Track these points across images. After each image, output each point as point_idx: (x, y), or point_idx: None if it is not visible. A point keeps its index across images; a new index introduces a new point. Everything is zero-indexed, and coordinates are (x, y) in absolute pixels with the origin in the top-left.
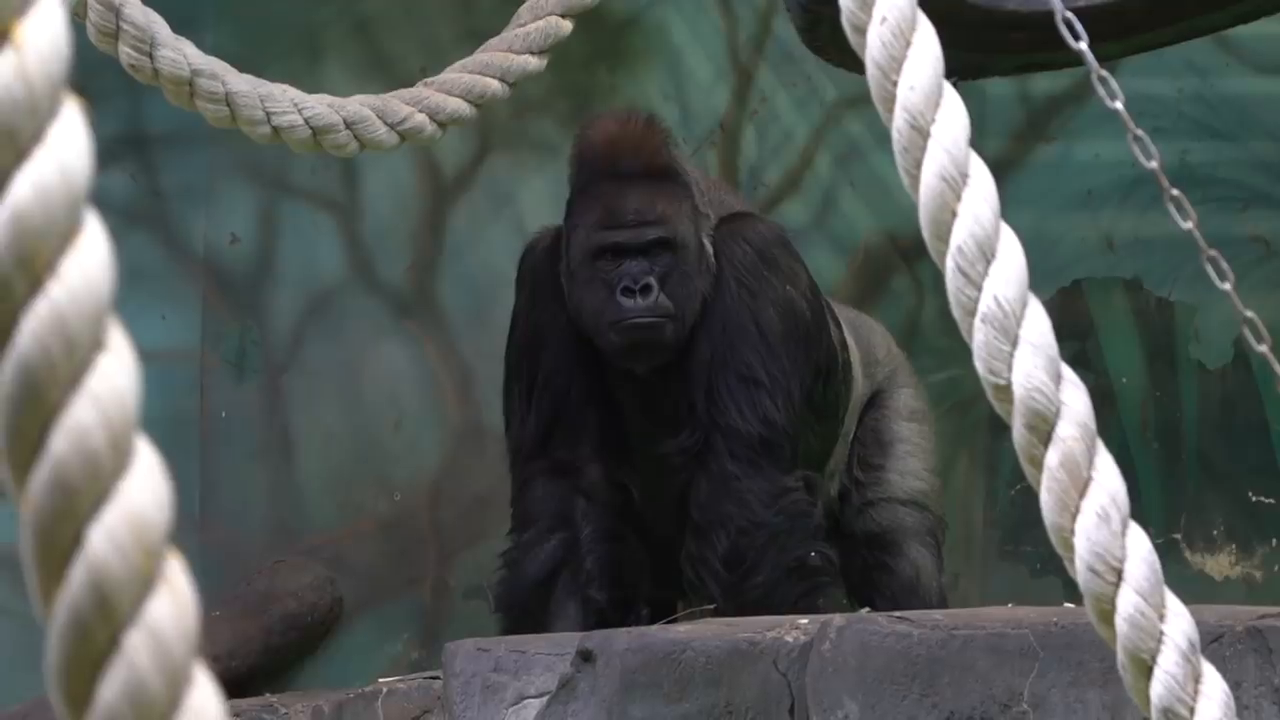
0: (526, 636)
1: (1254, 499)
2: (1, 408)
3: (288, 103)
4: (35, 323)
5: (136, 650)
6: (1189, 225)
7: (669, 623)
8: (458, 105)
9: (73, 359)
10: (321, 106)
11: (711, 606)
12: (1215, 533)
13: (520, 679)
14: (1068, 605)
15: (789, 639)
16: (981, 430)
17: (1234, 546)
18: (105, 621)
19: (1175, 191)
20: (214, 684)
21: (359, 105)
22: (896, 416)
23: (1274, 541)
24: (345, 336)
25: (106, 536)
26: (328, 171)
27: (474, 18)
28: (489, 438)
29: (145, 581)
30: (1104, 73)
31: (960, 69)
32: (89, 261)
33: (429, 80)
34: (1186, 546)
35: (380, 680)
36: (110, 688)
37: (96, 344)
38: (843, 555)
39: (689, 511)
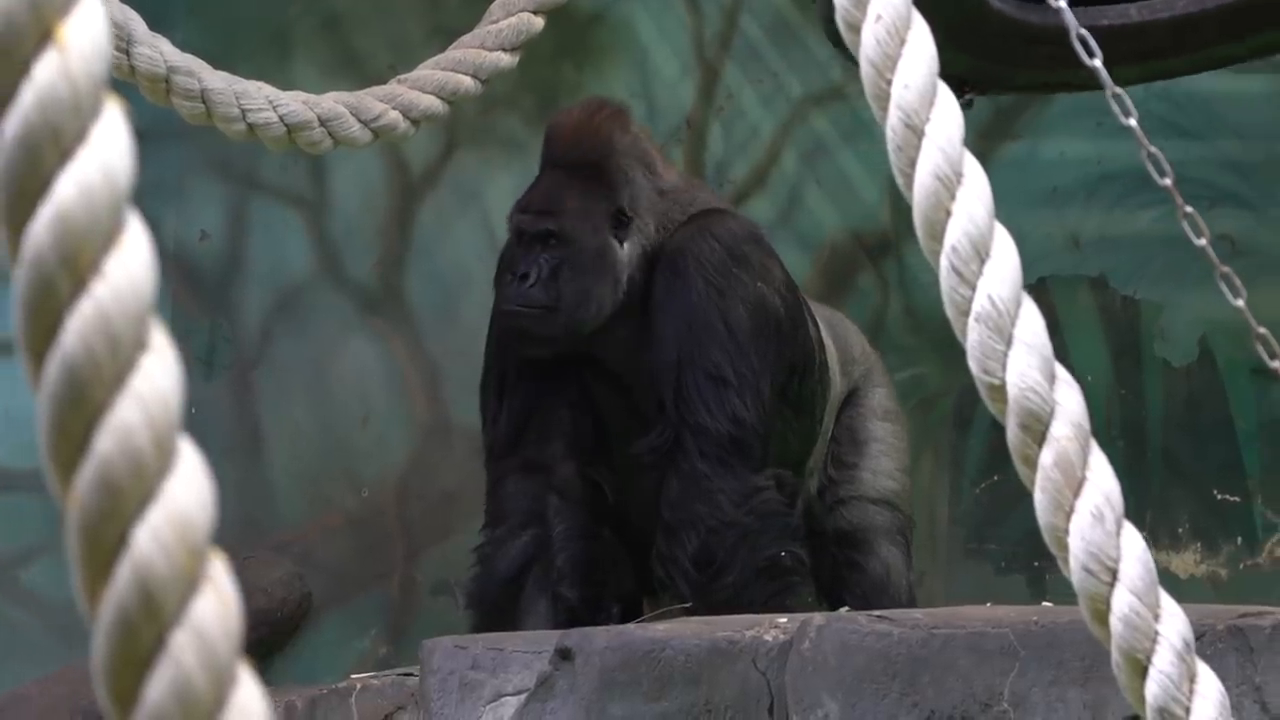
0: (504, 634)
1: (1219, 497)
2: (46, 407)
3: (262, 100)
4: (80, 322)
5: (182, 649)
6: (1202, 242)
7: (646, 621)
8: (431, 102)
9: (117, 359)
10: (296, 104)
11: (687, 605)
12: (1180, 531)
13: (498, 676)
14: (1047, 604)
15: (768, 638)
16: (946, 428)
17: (1199, 544)
18: (151, 621)
19: (1190, 209)
20: (258, 683)
21: (333, 102)
22: (871, 415)
23: (1239, 540)
24: (314, 333)
25: (151, 536)
26: (297, 168)
27: (442, 14)
28: (457, 434)
29: (190, 581)
30: (1119, 90)
31: (976, 78)
32: (132, 261)
33: (402, 77)
34: (1151, 545)
35: (354, 676)
36: (157, 687)
37: (140, 344)
38: (813, 553)
39: (659, 510)
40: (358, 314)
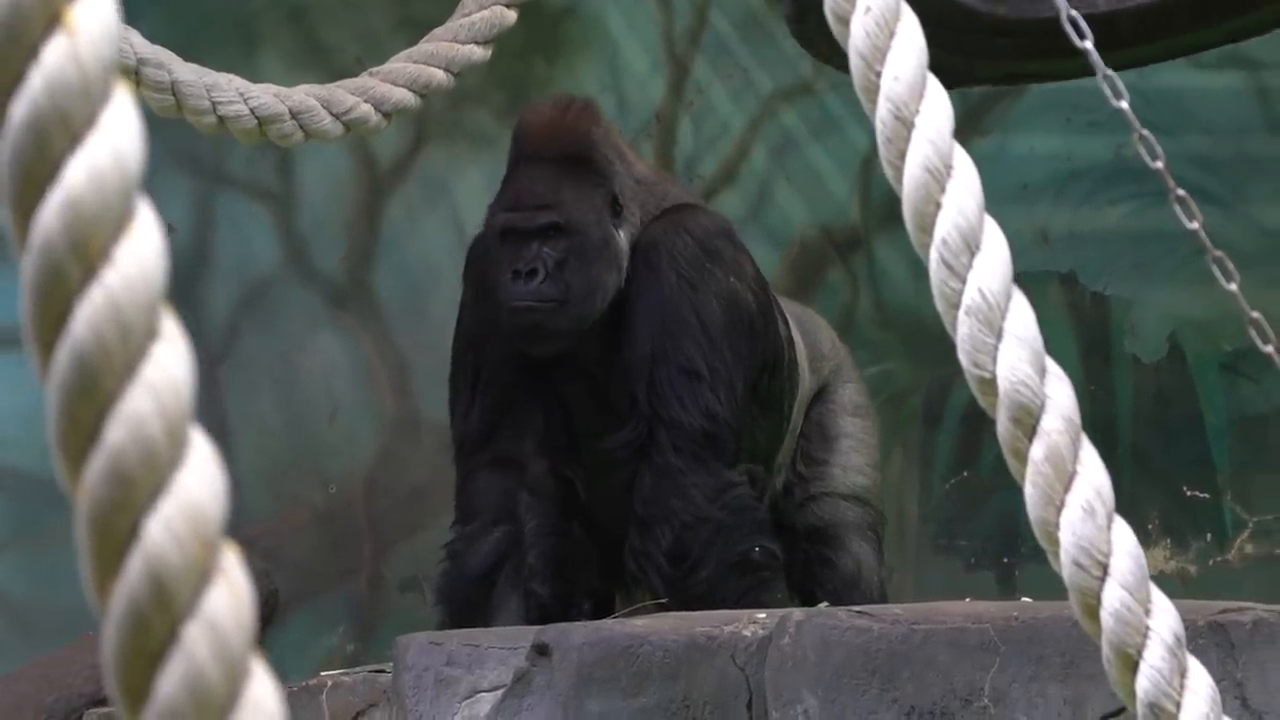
0: (479, 630)
1: (1188, 493)
2: (57, 397)
3: (233, 92)
4: (90, 310)
5: (195, 642)
6: (1195, 225)
7: (623, 616)
8: (403, 95)
9: (128, 347)
10: (267, 96)
11: (662, 601)
12: (1150, 527)
13: (473, 673)
14: (1026, 600)
15: (747, 633)
16: (915, 424)
17: (1169, 541)
18: (163, 614)
19: (1181, 192)
20: (272, 678)
21: (304, 95)
22: (842, 411)
23: (1208, 536)
24: (281, 328)
25: (164, 527)
26: (263, 162)
27: (410, 7)
28: (425, 429)
29: (203, 573)
30: (1109, 71)
31: (941, 72)
32: (143, 248)
33: (373, 70)
34: None
35: (324, 674)
36: (169, 680)
37: (151, 332)
38: (784, 549)
39: (633, 506)
40: (325, 309)
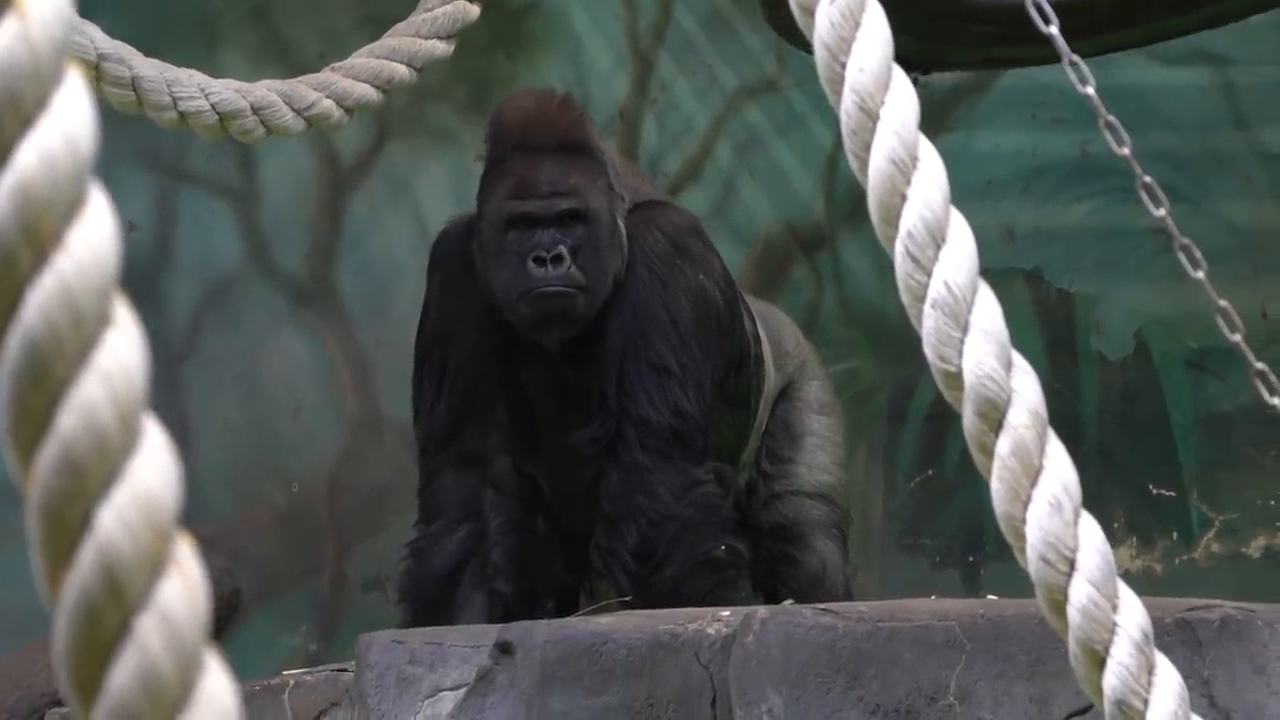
0: (442, 629)
1: (1154, 491)
2: (7, 384)
3: (194, 88)
4: (41, 296)
5: (148, 634)
6: (1161, 213)
7: (587, 614)
8: (365, 90)
9: (80, 334)
10: (228, 92)
11: (627, 599)
12: (1115, 525)
13: (436, 671)
14: (992, 597)
15: (711, 631)
16: (880, 422)
17: (1134, 539)
18: (116, 605)
19: (1148, 179)
20: (226, 669)
21: (266, 90)
22: (807, 409)
23: (1174, 535)
24: (243, 325)
25: (116, 517)
26: (225, 159)
27: (372, 3)
28: (388, 427)
29: (156, 564)
30: (1075, 57)
31: (916, 57)
32: (95, 233)
33: (335, 65)
34: None
35: (286, 673)
36: (122, 672)
37: (104, 319)
38: (749, 548)
39: (599, 503)
40: (288, 306)
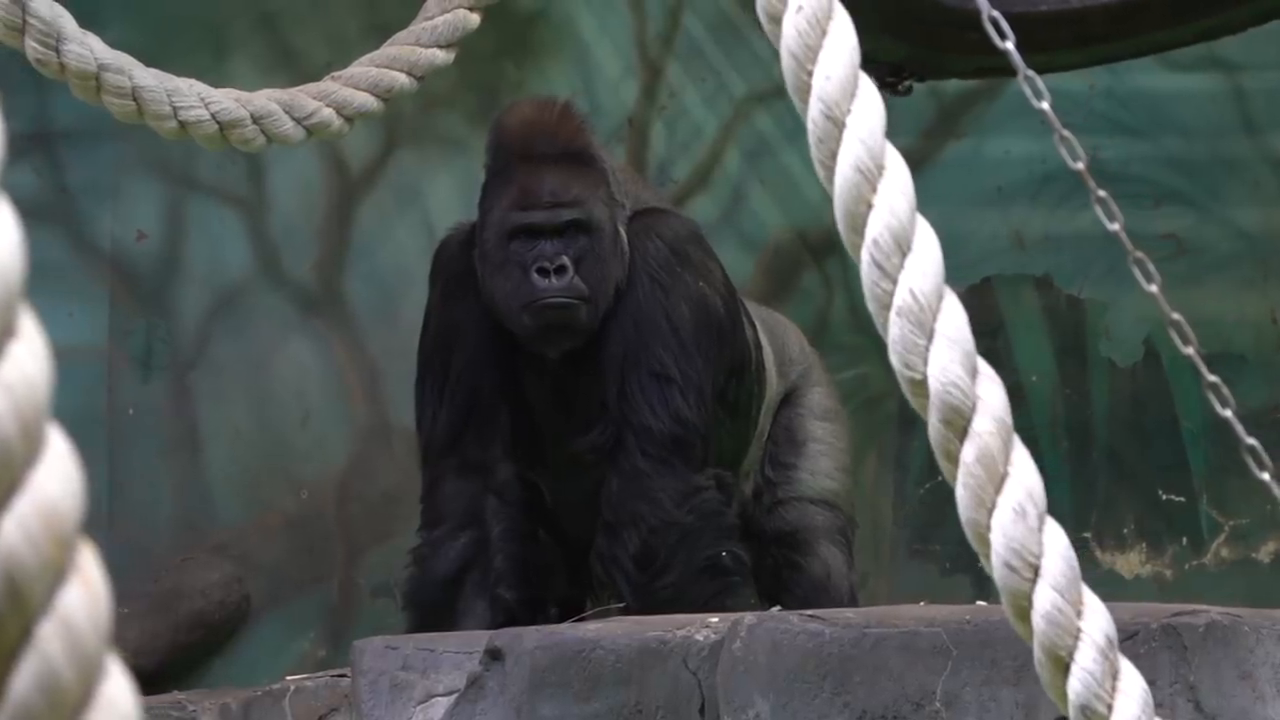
0: (435, 635)
1: (1164, 497)
2: None
3: (194, 97)
4: None
5: (49, 641)
6: (1115, 227)
7: (578, 621)
8: (365, 99)
9: None
10: (228, 101)
11: (620, 605)
12: (1125, 531)
13: (429, 677)
14: (980, 603)
15: (699, 637)
16: (891, 428)
17: (1144, 545)
18: (17, 612)
19: (1102, 193)
20: (127, 675)
21: (266, 100)
22: (810, 415)
23: (1184, 540)
24: (252, 333)
25: (17, 526)
26: (235, 168)
27: (380, 12)
28: (396, 435)
29: (57, 571)
30: (1030, 72)
31: (913, 65)
32: None
33: (336, 74)
34: (1096, 545)
35: (288, 678)
36: (23, 680)
37: (6, 330)
38: (753, 554)
39: (600, 510)
40: (297, 314)
